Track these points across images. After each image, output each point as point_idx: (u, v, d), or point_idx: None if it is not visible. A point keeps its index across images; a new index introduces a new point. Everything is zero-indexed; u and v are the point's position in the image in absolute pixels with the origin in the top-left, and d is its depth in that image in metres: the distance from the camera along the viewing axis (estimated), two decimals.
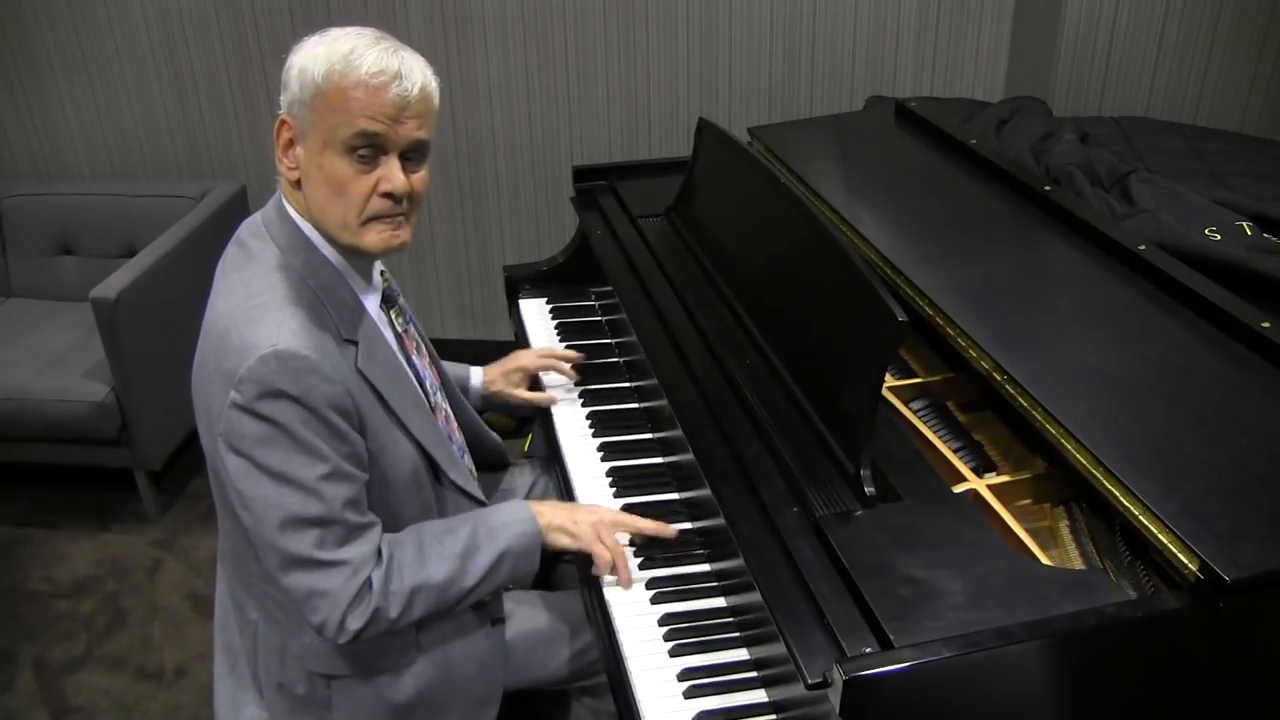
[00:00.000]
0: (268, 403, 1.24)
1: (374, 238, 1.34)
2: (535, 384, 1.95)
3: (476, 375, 1.89)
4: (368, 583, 1.32)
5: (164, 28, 3.12)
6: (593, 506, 1.55)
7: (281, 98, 1.32)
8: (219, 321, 1.31)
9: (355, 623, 1.31)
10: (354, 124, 1.27)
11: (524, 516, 1.46)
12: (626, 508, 1.62)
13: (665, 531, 1.51)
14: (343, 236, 1.34)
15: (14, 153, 3.35)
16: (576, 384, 1.94)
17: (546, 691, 1.66)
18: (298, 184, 1.34)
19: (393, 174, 1.31)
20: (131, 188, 3.13)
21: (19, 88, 3.24)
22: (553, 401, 1.89)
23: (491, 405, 1.92)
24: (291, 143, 1.33)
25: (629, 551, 1.52)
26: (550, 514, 1.48)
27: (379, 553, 1.34)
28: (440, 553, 1.38)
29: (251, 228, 1.40)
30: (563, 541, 1.48)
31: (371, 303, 1.43)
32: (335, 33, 1.31)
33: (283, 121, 1.32)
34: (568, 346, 2.04)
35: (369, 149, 1.29)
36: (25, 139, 3.32)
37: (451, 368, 1.83)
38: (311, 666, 1.44)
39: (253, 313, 1.28)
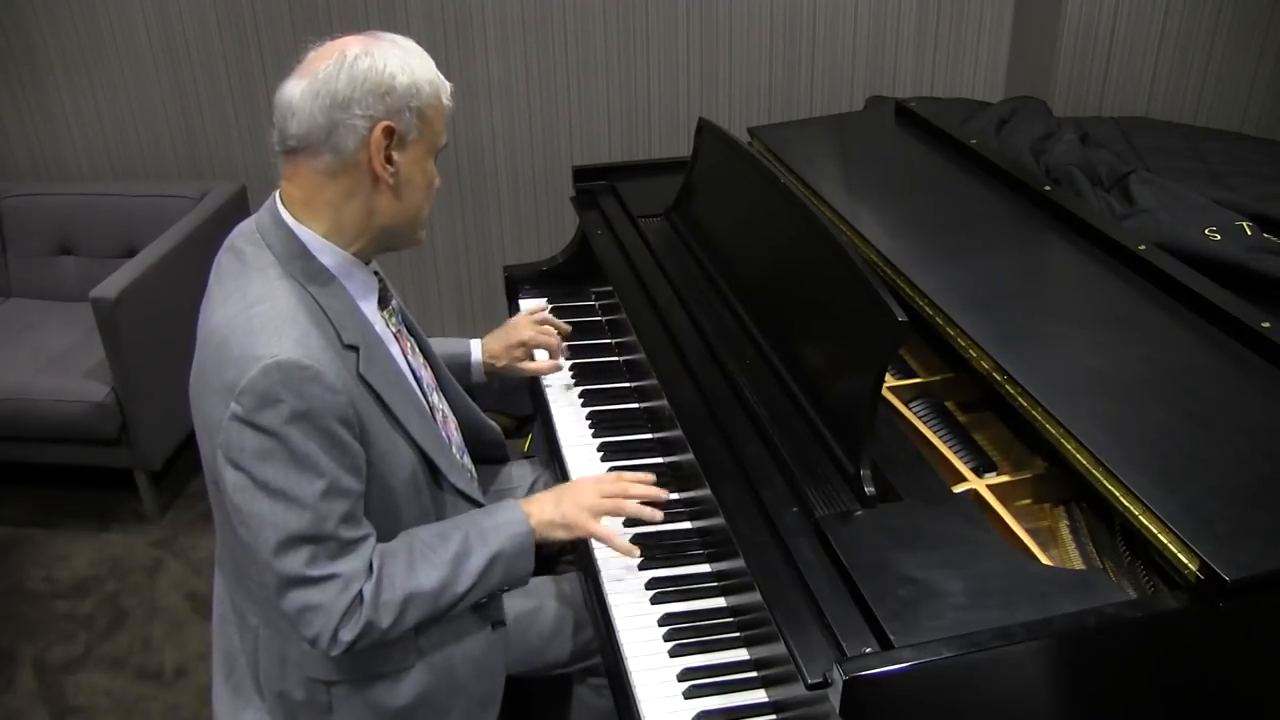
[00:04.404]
0: (269, 414, 1.23)
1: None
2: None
3: (476, 349, 1.87)
4: (359, 596, 1.32)
5: (164, 28, 3.12)
6: (578, 487, 1.51)
7: (376, 103, 1.29)
8: (217, 331, 1.29)
9: (347, 635, 1.31)
10: (445, 133, 1.39)
11: (517, 518, 1.45)
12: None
13: (656, 495, 1.51)
14: (419, 234, 1.44)
15: (14, 153, 3.35)
16: (572, 377, 1.95)
17: (546, 682, 1.65)
18: (393, 190, 1.34)
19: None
20: (131, 188, 3.12)
21: (19, 88, 3.24)
22: (557, 368, 1.92)
23: (494, 378, 1.91)
24: (388, 148, 1.32)
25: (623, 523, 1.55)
26: (540, 510, 1.47)
27: (370, 565, 1.34)
28: (432, 560, 1.38)
29: (245, 235, 1.38)
30: (558, 535, 1.47)
31: (369, 307, 1.43)
32: (405, 42, 1.35)
33: (388, 128, 1.30)
34: (566, 343, 2.03)
35: None
36: (25, 139, 3.32)
37: (447, 344, 1.82)
38: (311, 673, 1.43)
39: (252, 322, 1.26)
